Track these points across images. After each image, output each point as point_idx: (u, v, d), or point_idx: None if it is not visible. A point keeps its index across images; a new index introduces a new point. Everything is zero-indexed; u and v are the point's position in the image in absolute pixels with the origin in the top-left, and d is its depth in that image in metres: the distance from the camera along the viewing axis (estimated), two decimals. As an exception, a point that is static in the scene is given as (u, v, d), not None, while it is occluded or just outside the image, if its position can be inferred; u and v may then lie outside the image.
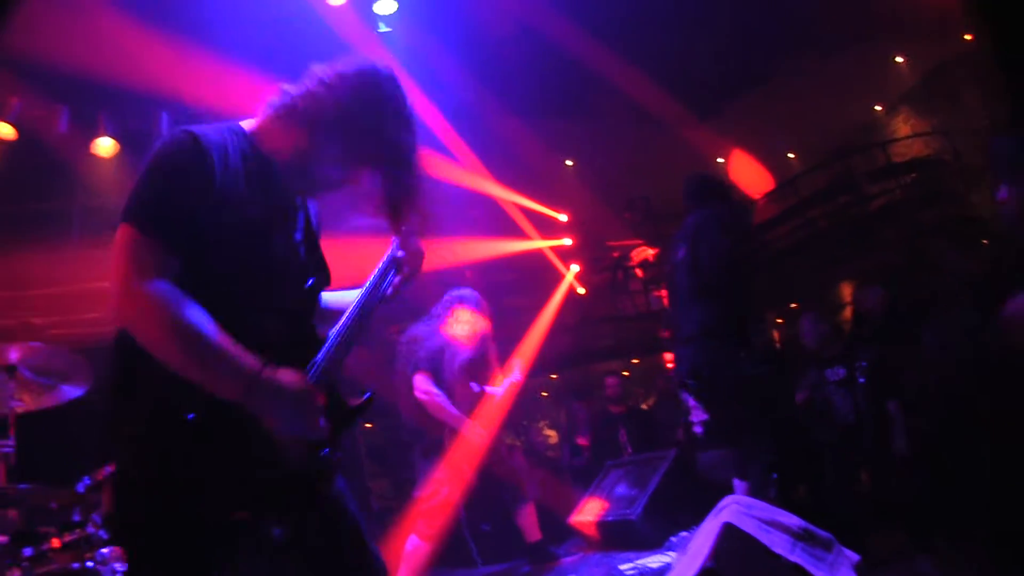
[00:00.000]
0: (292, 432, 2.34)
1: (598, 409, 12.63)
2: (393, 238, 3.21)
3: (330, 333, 2.72)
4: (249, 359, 2.25)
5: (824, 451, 7.26)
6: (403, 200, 2.71)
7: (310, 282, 2.75)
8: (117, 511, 2.41)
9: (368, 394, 2.63)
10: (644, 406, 15.28)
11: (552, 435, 16.72)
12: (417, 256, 3.17)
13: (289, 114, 2.56)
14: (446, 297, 7.38)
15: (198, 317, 2.20)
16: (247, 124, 2.63)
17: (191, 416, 2.21)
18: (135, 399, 2.32)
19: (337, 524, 2.64)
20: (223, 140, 2.46)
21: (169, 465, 2.24)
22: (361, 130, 2.54)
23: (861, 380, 6.98)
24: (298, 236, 2.71)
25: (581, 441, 12.37)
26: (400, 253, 3.14)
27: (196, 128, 2.42)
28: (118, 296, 2.20)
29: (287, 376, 2.32)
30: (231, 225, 2.38)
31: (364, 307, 2.86)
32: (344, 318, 2.77)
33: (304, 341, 2.63)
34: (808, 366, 7.65)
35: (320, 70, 2.58)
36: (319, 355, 2.59)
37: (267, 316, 2.48)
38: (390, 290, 3.11)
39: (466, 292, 7.40)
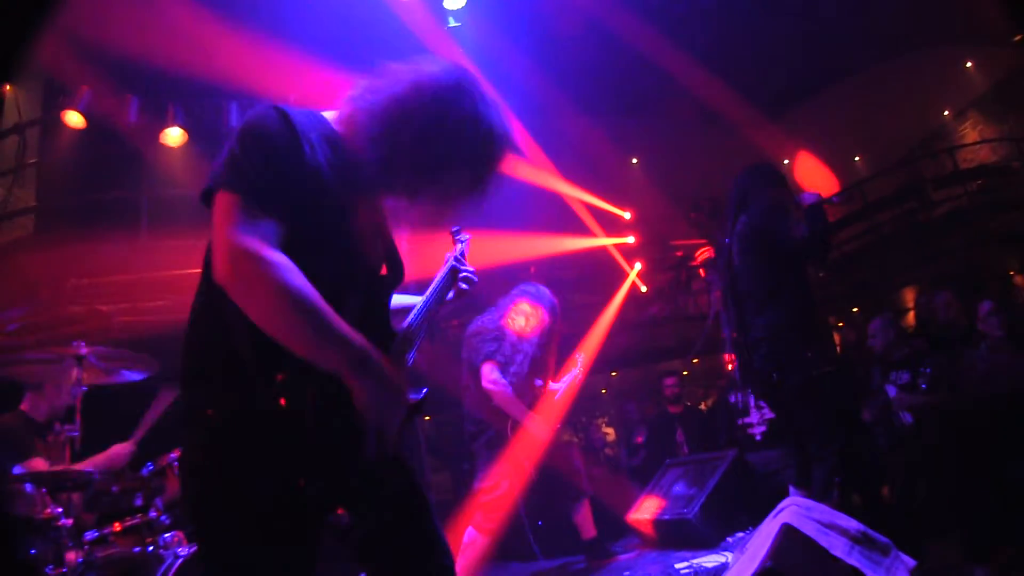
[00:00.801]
0: (380, 419, 2.31)
1: (655, 409, 12.60)
2: (456, 246, 3.26)
3: (399, 328, 2.73)
4: (357, 334, 2.22)
5: (884, 456, 7.20)
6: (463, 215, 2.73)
7: (386, 274, 2.73)
8: (192, 491, 2.33)
9: (424, 390, 2.59)
10: (702, 406, 15.22)
11: (610, 432, 16.69)
12: (473, 274, 3.25)
13: (368, 114, 2.48)
14: (514, 290, 7.36)
15: (307, 284, 2.15)
16: (329, 115, 2.59)
17: (280, 376, 2.17)
18: (218, 366, 2.29)
19: (407, 509, 2.63)
20: (308, 121, 2.43)
21: (252, 432, 2.22)
22: (435, 153, 2.44)
23: (923, 386, 6.90)
24: (374, 228, 2.69)
25: (638, 440, 12.37)
26: (462, 264, 3.20)
27: (282, 105, 2.39)
28: (223, 260, 2.13)
29: (389, 366, 2.32)
30: (315, 203, 2.34)
31: (430, 308, 2.91)
32: (412, 316, 2.80)
33: (378, 331, 2.57)
34: (872, 369, 7.56)
35: (401, 71, 2.51)
36: (392, 348, 2.59)
37: (346, 301, 2.39)
38: (451, 295, 3.17)
39: (538, 288, 7.39)
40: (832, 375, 5.43)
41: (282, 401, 2.17)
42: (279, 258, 2.14)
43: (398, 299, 2.91)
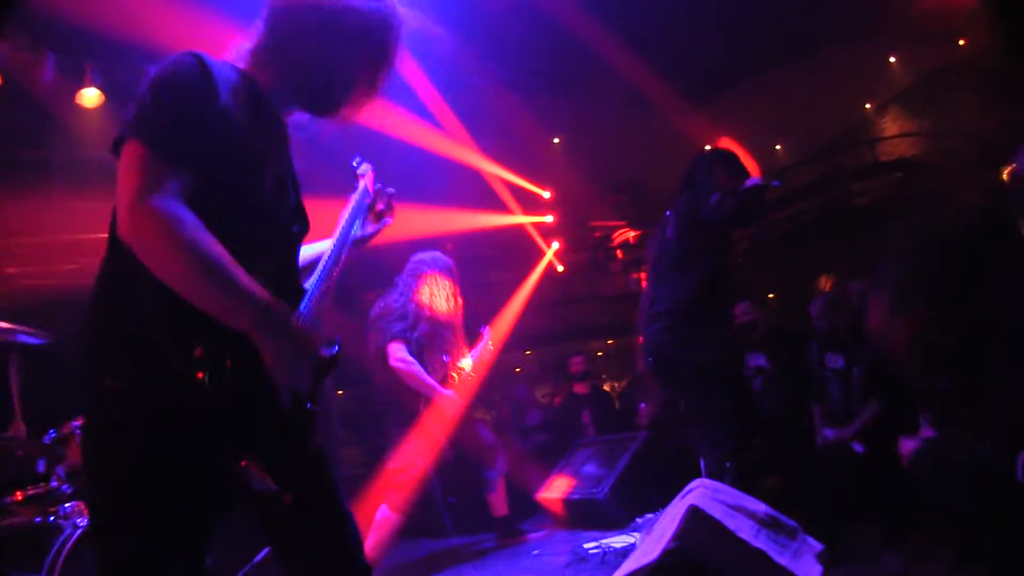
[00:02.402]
0: (289, 374, 2.26)
1: (561, 390, 12.63)
2: (360, 181, 3.20)
3: (308, 284, 2.67)
4: (261, 289, 2.17)
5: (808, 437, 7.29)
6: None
7: (295, 228, 2.69)
8: (95, 458, 2.25)
9: (336, 346, 2.54)
10: (607, 387, 15.30)
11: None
12: (386, 194, 3.23)
13: (262, 45, 2.55)
14: (411, 264, 7.28)
15: (209, 237, 2.10)
16: (240, 62, 2.57)
17: (199, 351, 2.10)
18: (124, 335, 2.22)
19: (317, 481, 2.59)
20: (224, 67, 2.40)
21: (163, 404, 2.15)
22: (329, 50, 2.53)
23: (858, 373, 6.94)
24: (286, 176, 2.66)
25: (531, 422, 12.37)
26: (369, 196, 3.14)
27: (198, 52, 2.35)
28: (127, 214, 2.08)
29: (293, 317, 2.28)
30: (229, 155, 2.29)
31: (337, 253, 2.83)
32: (320, 267, 2.73)
33: (289, 288, 2.54)
34: (810, 344, 7.56)
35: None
36: (303, 304, 2.54)
37: (258, 255, 2.34)
38: (364, 232, 3.12)
39: (432, 256, 7.34)
40: (729, 362, 5.46)
41: (199, 375, 2.10)
42: (182, 213, 2.09)
43: (307, 249, 2.87)
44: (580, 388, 11.82)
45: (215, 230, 2.14)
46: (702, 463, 5.56)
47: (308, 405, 2.40)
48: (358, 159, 3.35)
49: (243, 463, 2.18)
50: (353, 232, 3.02)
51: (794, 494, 5.85)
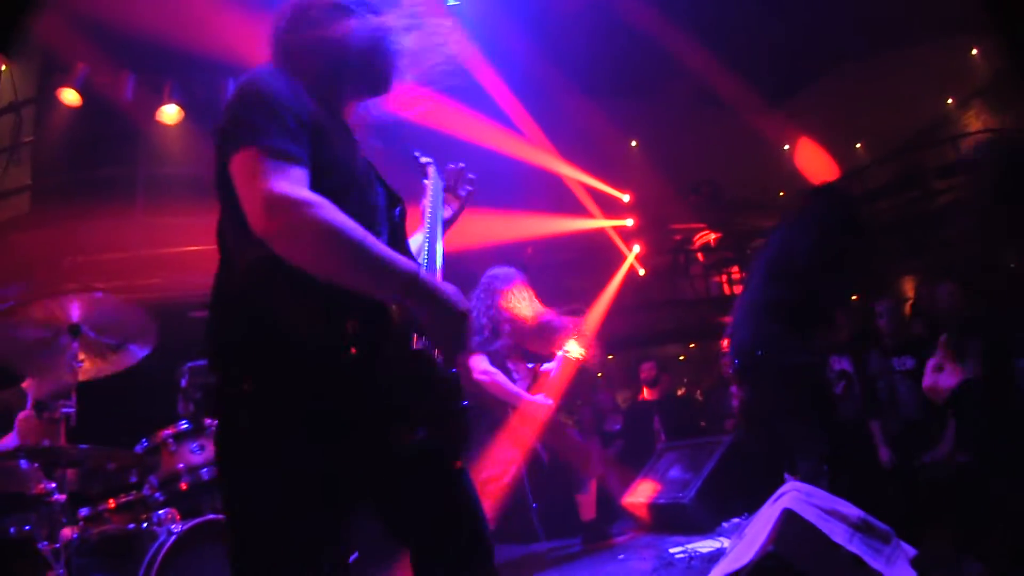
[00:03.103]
0: (445, 337, 2.29)
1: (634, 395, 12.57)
2: (428, 170, 3.21)
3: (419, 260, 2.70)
4: (407, 260, 2.21)
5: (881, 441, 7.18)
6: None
7: (397, 210, 2.71)
8: (241, 464, 2.25)
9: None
10: (680, 392, 15.18)
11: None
12: (455, 171, 3.29)
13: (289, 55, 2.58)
14: (485, 279, 7.29)
15: (351, 220, 2.12)
16: None
17: (349, 327, 2.16)
18: (257, 337, 2.23)
19: (450, 470, 2.57)
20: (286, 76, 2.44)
21: (312, 398, 2.19)
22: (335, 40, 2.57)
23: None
24: (369, 167, 2.68)
25: (612, 428, 12.32)
26: (441, 181, 3.18)
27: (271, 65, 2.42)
28: (263, 212, 2.08)
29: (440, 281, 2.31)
30: (327, 145, 2.33)
31: (435, 237, 2.86)
32: (426, 246, 2.77)
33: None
34: (870, 352, 7.48)
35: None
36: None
37: (379, 237, 2.34)
38: (452, 213, 3.18)
39: (504, 272, 7.32)
40: (818, 366, 5.38)
41: (353, 351, 2.15)
42: (315, 198, 2.11)
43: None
44: (650, 394, 11.75)
45: None
46: (787, 467, 5.49)
47: (454, 371, 2.45)
48: (418, 152, 3.37)
49: (417, 429, 2.24)
50: (441, 217, 3.04)
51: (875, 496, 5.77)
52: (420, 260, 2.71)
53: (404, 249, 2.67)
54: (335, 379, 2.17)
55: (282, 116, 2.23)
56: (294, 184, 2.11)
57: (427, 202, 3.04)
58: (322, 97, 2.49)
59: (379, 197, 2.62)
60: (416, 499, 2.51)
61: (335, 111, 2.58)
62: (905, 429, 7.01)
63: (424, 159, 3.33)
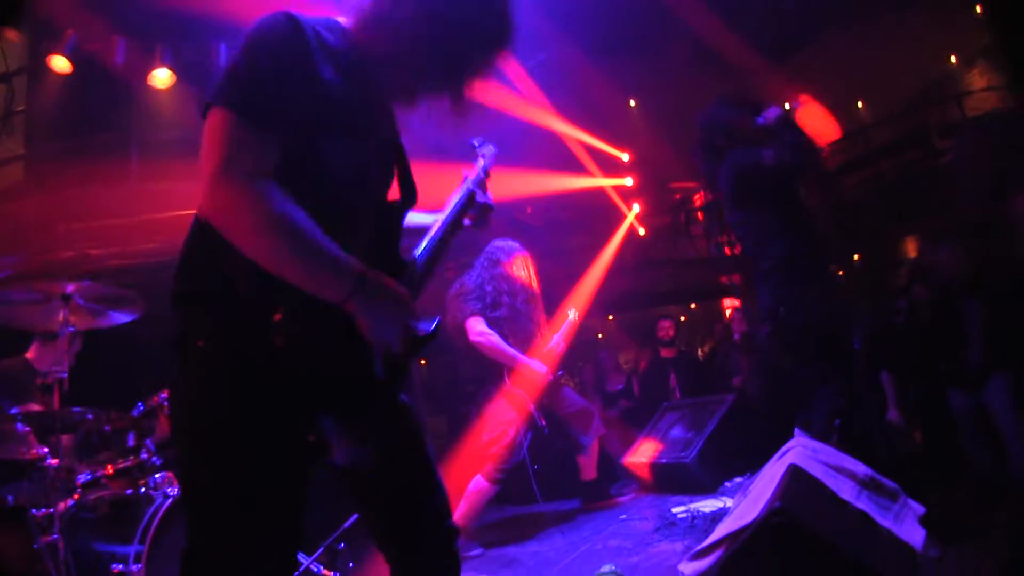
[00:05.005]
0: (386, 337, 2.20)
1: (650, 353, 12.52)
2: (479, 160, 3.13)
3: (413, 255, 2.62)
4: (351, 259, 2.11)
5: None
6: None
7: (399, 199, 2.62)
8: (186, 417, 2.19)
9: (437, 320, 2.46)
10: (699, 352, 15.16)
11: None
12: (490, 203, 3.13)
13: (376, 15, 2.38)
14: (488, 249, 7.42)
15: (297, 211, 2.03)
16: (343, 20, 2.46)
17: (278, 315, 2.04)
18: (213, 297, 2.17)
19: (405, 445, 2.55)
20: (322, 26, 2.30)
21: (249, 364, 2.11)
22: (450, 26, 2.32)
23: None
24: (390, 145, 2.59)
25: (614, 388, 12.33)
26: (480, 189, 3.07)
27: (292, 10, 2.23)
28: (209, 185, 2.00)
29: (389, 279, 2.21)
30: (325, 120, 2.22)
31: (445, 235, 2.78)
32: (427, 242, 2.69)
33: (386, 259, 2.47)
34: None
35: None
36: (403, 278, 2.49)
37: (353, 224, 2.30)
38: (467, 222, 3.05)
39: (508, 245, 7.46)
40: (838, 316, 5.33)
41: (277, 340, 2.04)
42: (261, 185, 2.01)
43: (412, 218, 2.77)
44: (667, 352, 11.71)
45: (305, 198, 2.08)
46: (796, 429, 5.46)
47: (403, 370, 2.38)
48: (479, 139, 3.28)
49: (323, 431, 2.21)
50: (462, 216, 2.97)
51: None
52: (416, 253, 2.64)
53: (391, 238, 2.57)
54: (263, 359, 2.08)
55: (277, 75, 2.12)
56: (249, 162, 2.03)
57: (456, 195, 2.98)
58: (363, 54, 2.38)
59: (381, 178, 2.54)
60: (360, 491, 2.55)
61: (369, 70, 2.40)
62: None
63: (483, 150, 3.26)
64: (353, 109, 2.31)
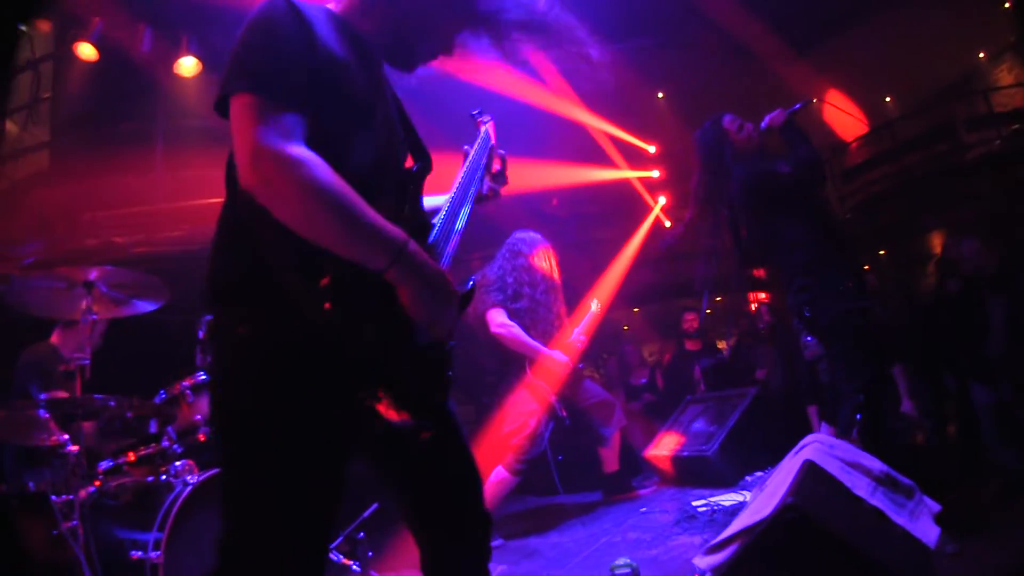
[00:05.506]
0: (428, 312, 2.21)
1: (672, 348, 12.50)
2: (480, 129, 3.13)
3: (435, 221, 2.62)
4: (394, 228, 2.12)
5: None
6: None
7: (415, 165, 2.61)
8: (232, 407, 2.18)
9: (471, 282, 2.51)
10: (721, 345, 15.12)
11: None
12: (499, 155, 3.16)
13: None
14: (510, 241, 7.44)
15: (340, 180, 2.04)
16: (332, 5, 2.52)
17: (326, 280, 2.03)
18: (250, 283, 2.17)
19: (447, 422, 2.57)
20: (316, 9, 2.32)
21: (294, 346, 2.10)
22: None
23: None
24: (395, 114, 2.60)
25: (638, 381, 12.30)
26: (490, 145, 3.11)
27: None
28: (248, 163, 2.01)
29: (427, 254, 2.22)
30: (335, 92, 2.23)
31: (461, 197, 2.79)
32: (447, 208, 2.69)
33: (415, 226, 2.45)
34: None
35: None
36: (435, 240, 2.52)
37: (378, 195, 2.23)
38: (486, 190, 3.06)
39: (530, 236, 7.46)
40: (865, 310, 5.31)
41: (327, 306, 2.03)
42: (304, 154, 2.02)
43: (427, 201, 2.78)
44: (692, 345, 11.68)
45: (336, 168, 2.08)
46: (823, 424, 5.46)
47: (447, 343, 2.39)
48: (478, 110, 3.29)
49: (380, 395, 2.14)
50: (477, 179, 2.97)
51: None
52: (435, 223, 2.63)
53: (416, 209, 2.56)
54: (315, 330, 2.06)
55: (283, 54, 2.14)
56: (284, 135, 2.03)
57: (465, 163, 2.97)
58: (356, 33, 2.44)
59: (395, 147, 2.55)
60: (402, 467, 2.53)
61: (366, 47, 2.48)
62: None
63: (483, 117, 3.27)
64: (356, 82, 2.34)
